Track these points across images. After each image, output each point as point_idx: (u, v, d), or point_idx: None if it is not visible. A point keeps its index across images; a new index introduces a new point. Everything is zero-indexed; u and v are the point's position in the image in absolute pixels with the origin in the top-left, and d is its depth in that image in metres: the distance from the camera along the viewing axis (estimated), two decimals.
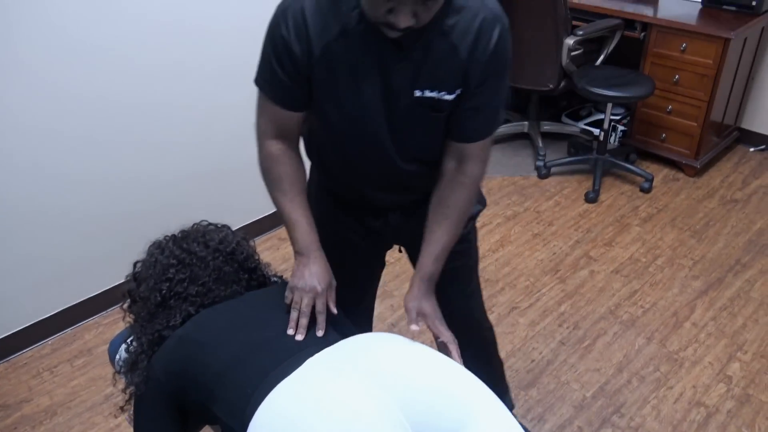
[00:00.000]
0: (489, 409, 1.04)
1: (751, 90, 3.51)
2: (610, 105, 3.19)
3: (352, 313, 1.36)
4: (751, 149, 3.60)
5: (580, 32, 3.12)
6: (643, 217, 3.06)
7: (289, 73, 1.18)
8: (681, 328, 2.40)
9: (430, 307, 1.31)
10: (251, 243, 1.49)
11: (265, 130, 1.28)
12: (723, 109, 3.31)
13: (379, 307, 1.74)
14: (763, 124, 3.56)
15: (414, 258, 1.62)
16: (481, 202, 1.52)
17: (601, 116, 3.64)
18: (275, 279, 1.50)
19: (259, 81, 1.25)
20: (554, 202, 3.19)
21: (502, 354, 2.28)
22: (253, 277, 1.43)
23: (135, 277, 1.40)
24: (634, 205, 3.15)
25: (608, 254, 2.81)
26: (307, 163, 1.42)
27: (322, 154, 1.40)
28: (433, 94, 1.18)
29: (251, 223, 2.85)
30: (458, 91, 1.19)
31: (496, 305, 2.52)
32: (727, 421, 2.02)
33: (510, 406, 1.90)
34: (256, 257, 1.47)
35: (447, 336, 1.21)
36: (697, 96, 3.16)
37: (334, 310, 1.28)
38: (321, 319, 1.23)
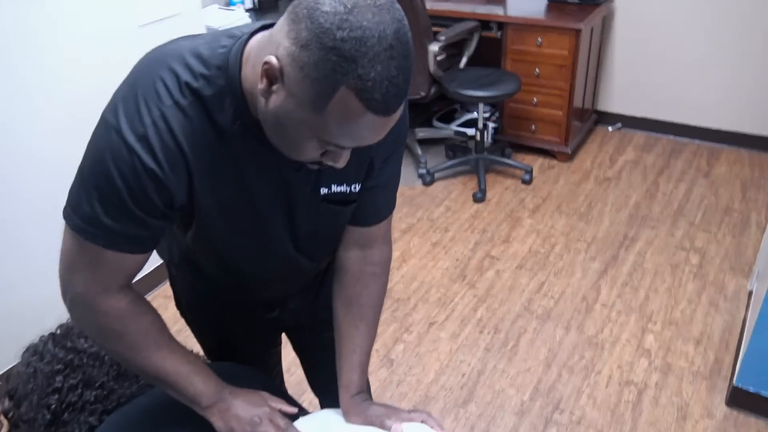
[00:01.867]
0: None
1: (602, 75, 3.74)
2: (481, 105, 3.23)
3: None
4: (610, 128, 3.83)
5: (442, 37, 3.13)
6: (531, 209, 3.12)
7: (151, 211, 0.87)
8: (593, 311, 2.44)
9: (378, 414, 1.07)
10: None
11: (103, 286, 0.92)
12: (582, 95, 3.49)
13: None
14: (615, 104, 3.81)
15: (299, 340, 1.43)
16: None
17: (471, 116, 3.71)
18: None
19: (89, 230, 0.86)
20: (445, 207, 3.18)
21: (431, 375, 2.20)
22: None
23: (11, 396, 1.13)
24: (520, 198, 3.21)
25: (508, 251, 2.82)
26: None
27: (196, 263, 1.12)
28: (341, 189, 1.00)
29: None
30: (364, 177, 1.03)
31: (413, 324, 2.43)
32: (657, 394, 2.06)
33: None
34: None
35: (418, 417, 1.05)
36: (558, 86, 3.30)
37: (293, 410, 1.08)
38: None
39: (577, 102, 3.42)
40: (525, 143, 3.57)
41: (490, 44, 3.41)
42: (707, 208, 3.04)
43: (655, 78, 3.59)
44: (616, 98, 3.78)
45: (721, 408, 2.00)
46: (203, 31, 2.59)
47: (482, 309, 2.49)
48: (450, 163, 3.42)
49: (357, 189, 1.02)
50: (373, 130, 0.78)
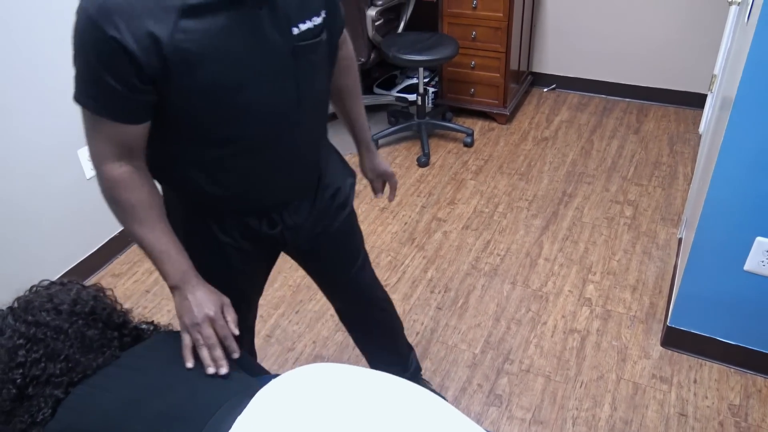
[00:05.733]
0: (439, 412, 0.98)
1: (535, 36, 3.82)
2: (422, 69, 3.26)
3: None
4: (544, 90, 3.94)
5: (379, 2, 3.13)
6: (474, 171, 3.20)
7: (126, 81, 0.97)
8: (536, 265, 2.55)
9: (382, 168, 1.61)
10: (109, 293, 1.26)
11: (103, 153, 1.07)
12: (518, 57, 3.56)
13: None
14: (549, 65, 3.91)
15: (314, 270, 1.59)
16: (351, 175, 1.51)
17: (411, 82, 3.73)
18: (146, 326, 1.29)
19: (82, 98, 1.02)
20: None
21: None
22: (125, 332, 1.21)
23: None
24: (463, 161, 3.28)
25: (454, 212, 2.89)
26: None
27: (195, 180, 1.19)
28: (308, 25, 1.10)
29: (73, 267, 2.47)
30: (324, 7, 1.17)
31: None
32: (599, 340, 2.19)
33: (417, 367, 1.94)
34: (121, 308, 1.25)
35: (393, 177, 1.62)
36: (495, 48, 3.36)
37: (236, 331, 1.16)
38: (228, 344, 1.14)
39: (513, 64, 3.49)
40: (464, 106, 3.63)
41: (426, 8, 3.42)
42: (638, 162, 3.19)
43: (585, 39, 3.70)
44: (550, 60, 3.88)
45: (656, 348, 2.15)
46: None
47: (432, 269, 2.56)
48: (393, 129, 3.44)
49: (318, 20, 1.12)
50: None
